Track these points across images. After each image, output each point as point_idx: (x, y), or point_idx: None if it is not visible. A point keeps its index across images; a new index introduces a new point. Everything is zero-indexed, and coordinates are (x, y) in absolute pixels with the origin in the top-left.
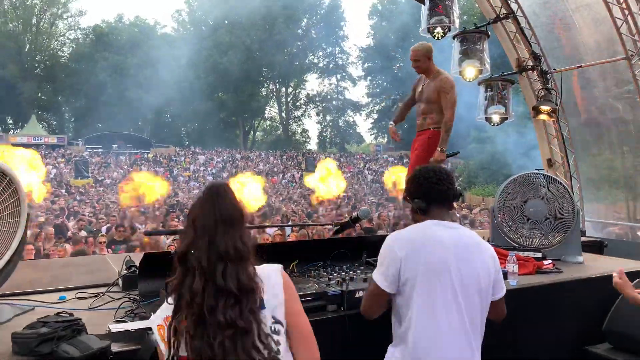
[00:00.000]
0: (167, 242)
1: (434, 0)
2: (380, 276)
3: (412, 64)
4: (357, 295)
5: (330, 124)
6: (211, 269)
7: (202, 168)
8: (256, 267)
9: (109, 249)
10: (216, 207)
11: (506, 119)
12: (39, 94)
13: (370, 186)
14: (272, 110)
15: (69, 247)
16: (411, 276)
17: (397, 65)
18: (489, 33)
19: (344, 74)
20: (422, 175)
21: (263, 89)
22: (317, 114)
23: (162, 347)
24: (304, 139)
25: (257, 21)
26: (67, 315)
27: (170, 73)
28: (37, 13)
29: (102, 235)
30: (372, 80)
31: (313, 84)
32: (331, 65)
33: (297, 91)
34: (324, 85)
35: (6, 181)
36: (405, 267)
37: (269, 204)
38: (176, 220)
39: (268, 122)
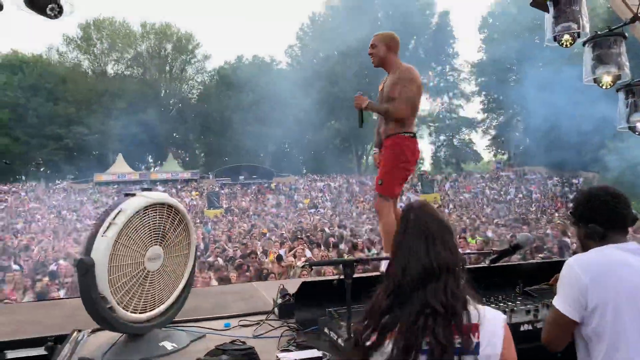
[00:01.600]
0: (298, 268)
1: (559, 7)
2: (563, 303)
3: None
4: (522, 329)
5: (445, 143)
6: (420, 285)
7: (320, 194)
8: (478, 307)
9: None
10: (422, 227)
11: None
12: (174, 134)
13: (493, 207)
14: None
15: (212, 274)
16: (600, 304)
17: (514, 77)
18: (626, 34)
19: (456, 91)
20: (598, 198)
21: (374, 113)
22: (430, 134)
23: None
24: (418, 160)
25: (365, 49)
26: (241, 343)
27: (287, 106)
28: (169, 61)
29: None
30: (487, 95)
31: (424, 104)
32: (442, 84)
33: None
34: (436, 105)
35: (179, 217)
36: (593, 294)
37: None
38: (302, 245)
39: None
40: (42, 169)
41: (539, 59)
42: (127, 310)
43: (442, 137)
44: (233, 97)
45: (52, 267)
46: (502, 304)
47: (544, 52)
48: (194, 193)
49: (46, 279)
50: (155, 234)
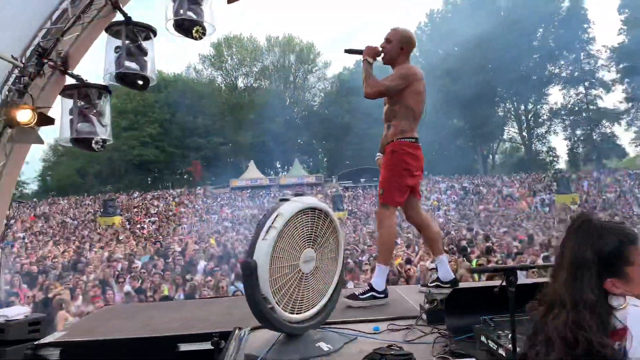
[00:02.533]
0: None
1: None
2: None
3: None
4: None
5: (582, 138)
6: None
7: (444, 196)
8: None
9: None
10: (592, 241)
11: None
12: (299, 140)
13: None
14: (511, 131)
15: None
16: None
17: None
18: None
19: (593, 80)
20: None
21: (499, 109)
22: (565, 129)
23: None
24: (551, 158)
25: (487, 42)
26: (398, 348)
27: None
28: (293, 71)
29: (365, 264)
30: (630, 83)
31: (556, 96)
32: (576, 73)
33: (538, 107)
34: (570, 97)
35: (328, 221)
36: None
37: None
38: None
39: (507, 144)
40: (185, 176)
41: None
42: (285, 311)
43: (578, 132)
44: (353, 101)
45: (201, 266)
46: None
47: None
48: (319, 197)
49: (198, 277)
50: (308, 237)
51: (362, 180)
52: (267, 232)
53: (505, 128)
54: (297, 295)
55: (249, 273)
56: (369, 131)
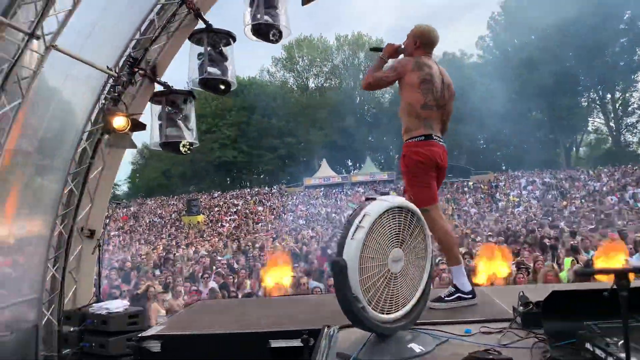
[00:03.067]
0: None
1: None
2: None
3: None
4: None
5: None
6: None
7: (524, 192)
8: None
9: None
10: None
11: None
12: (369, 138)
13: None
14: (596, 122)
15: None
16: None
17: None
18: None
19: None
20: None
21: (582, 99)
22: None
23: None
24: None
25: (567, 28)
26: (496, 353)
27: (481, 100)
28: (363, 69)
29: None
30: None
31: None
32: None
33: (627, 95)
34: None
35: (415, 220)
36: None
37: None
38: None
39: (593, 136)
40: (261, 176)
41: None
42: (376, 310)
43: None
44: None
45: None
46: None
47: None
48: (392, 193)
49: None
50: (396, 236)
51: None
52: (355, 231)
53: (589, 119)
54: (387, 295)
55: (338, 272)
56: None
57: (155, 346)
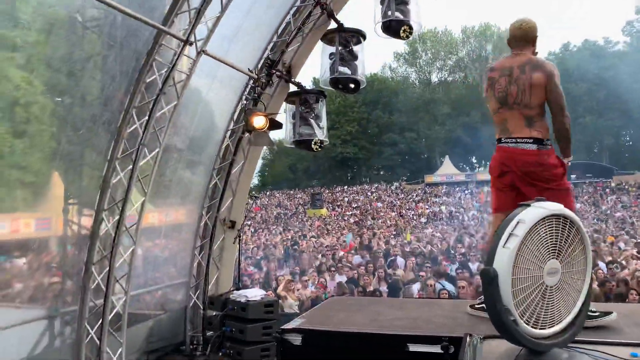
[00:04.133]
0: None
1: None
2: None
3: None
4: None
5: None
6: None
7: None
8: None
9: None
10: None
11: None
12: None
13: None
14: None
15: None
16: None
17: None
18: None
19: None
20: None
21: None
22: None
23: None
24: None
25: None
26: None
27: (627, 91)
28: (491, 61)
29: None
30: None
31: None
32: None
33: None
34: None
35: (574, 230)
36: None
37: None
38: None
39: None
40: (381, 172)
41: None
42: (528, 324)
43: None
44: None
45: (400, 262)
46: None
47: None
48: None
49: (399, 272)
50: (553, 247)
51: (572, 176)
52: (507, 239)
53: None
54: (541, 309)
55: (489, 281)
56: (579, 121)
57: (297, 339)
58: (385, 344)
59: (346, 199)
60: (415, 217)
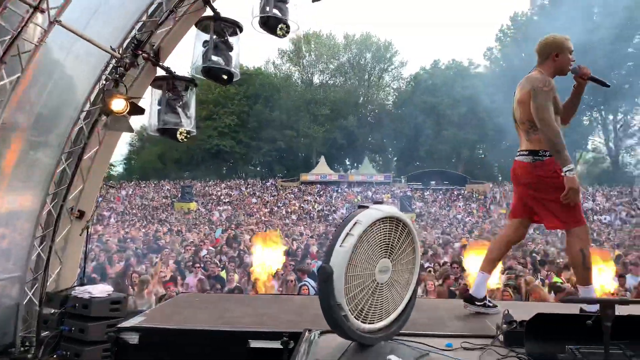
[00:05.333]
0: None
1: None
2: None
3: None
4: None
5: None
6: None
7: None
8: None
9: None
10: None
11: None
12: (370, 138)
13: None
14: (596, 141)
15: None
16: None
17: None
18: None
19: None
20: None
21: (584, 117)
22: None
23: None
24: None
25: (578, 46)
26: None
27: (484, 110)
28: (368, 69)
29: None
30: None
31: None
32: None
33: (629, 117)
34: None
35: (406, 231)
36: None
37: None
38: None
39: (591, 154)
40: (258, 168)
41: None
42: (358, 320)
43: None
44: (427, 101)
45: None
46: None
47: None
48: (385, 196)
49: None
50: (385, 246)
51: (432, 182)
52: (344, 239)
53: (590, 137)
54: (371, 304)
55: (325, 279)
56: (442, 133)
57: (134, 338)
58: (226, 341)
59: (219, 194)
60: (287, 215)
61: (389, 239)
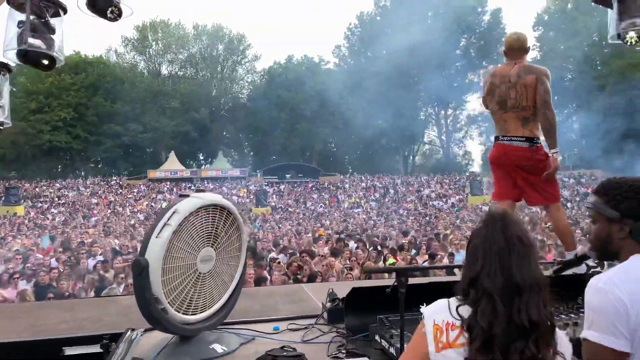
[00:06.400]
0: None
1: (625, 2)
2: (608, 336)
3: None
4: None
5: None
6: (506, 299)
7: (365, 194)
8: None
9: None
10: (507, 232)
11: None
12: (224, 132)
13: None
14: (431, 134)
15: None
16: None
17: (569, 76)
18: None
19: None
20: None
21: (422, 113)
22: (480, 135)
23: (432, 345)
24: (466, 162)
25: (415, 46)
26: (292, 349)
27: (334, 105)
28: (221, 62)
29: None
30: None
31: (474, 104)
32: None
33: (457, 112)
34: None
35: (231, 219)
36: (637, 318)
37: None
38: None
39: (427, 146)
40: (99, 165)
41: (597, 58)
42: (179, 312)
43: (492, 138)
44: (281, 96)
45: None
46: (564, 317)
47: (603, 51)
48: (242, 191)
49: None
50: (208, 235)
51: (287, 176)
52: (161, 229)
53: (426, 131)
54: (193, 295)
55: (138, 272)
56: (296, 127)
57: None
58: (37, 352)
59: (52, 195)
60: (132, 215)
61: (212, 227)
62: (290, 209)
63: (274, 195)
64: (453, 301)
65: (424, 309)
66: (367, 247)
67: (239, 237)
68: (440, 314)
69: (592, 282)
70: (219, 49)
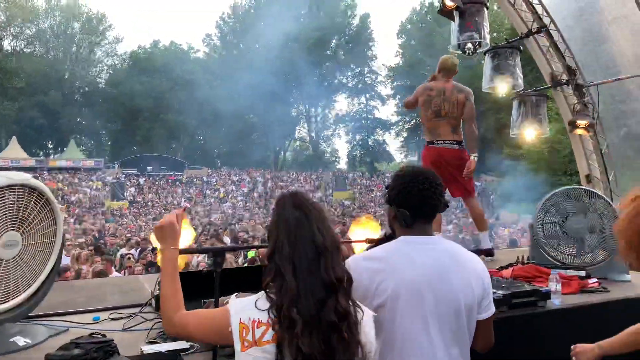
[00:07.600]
0: (197, 261)
1: (464, 16)
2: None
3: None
4: None
5: (360, 142)
6: (310, 261)
7: (233, 189)
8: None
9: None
10: (298, 203)
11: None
12: (78, 119)
13: None
14: (302, 131)
15: (102, 267)
16: (379, 304)
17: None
18: (521, 48)
19: (372, 93)
20: (415, 184)
21: (293, 109)
22: (347, 134)
23: (238, 344)
24: (334, 159)
25: (288, 43)
26: (100, 336)
27: (203, 96)
28: (76, 41)
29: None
30: (401, 99)
31: (342, 104)
32: (360, 85)
33: (327, 111)
34: (353, 105)
35: (43, 201)
36: (375, 294)
37: None
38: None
39: (298, 142)
40: None
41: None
42: None
43: (357, 137)
44: (146, 83)
45: None
46: None
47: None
48: (96, 183)
49: None
50: (14, 218)
51: (148, 168)
52: None
53: (297, 127)
54: None
55: None
56: (161, 116)
57: None
58: None
59: None
60: None
61: (18, 209)
62: (149, 204)
63: (133, 188)
64: (260, 296)
65: (232, 301)
66: (231, 241)
67: (54, 222)
68: (246, 312)
69: (353, 259)
70: (75, 28)
